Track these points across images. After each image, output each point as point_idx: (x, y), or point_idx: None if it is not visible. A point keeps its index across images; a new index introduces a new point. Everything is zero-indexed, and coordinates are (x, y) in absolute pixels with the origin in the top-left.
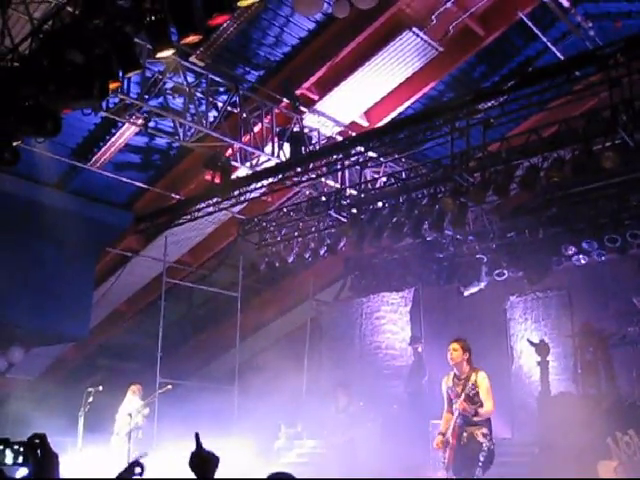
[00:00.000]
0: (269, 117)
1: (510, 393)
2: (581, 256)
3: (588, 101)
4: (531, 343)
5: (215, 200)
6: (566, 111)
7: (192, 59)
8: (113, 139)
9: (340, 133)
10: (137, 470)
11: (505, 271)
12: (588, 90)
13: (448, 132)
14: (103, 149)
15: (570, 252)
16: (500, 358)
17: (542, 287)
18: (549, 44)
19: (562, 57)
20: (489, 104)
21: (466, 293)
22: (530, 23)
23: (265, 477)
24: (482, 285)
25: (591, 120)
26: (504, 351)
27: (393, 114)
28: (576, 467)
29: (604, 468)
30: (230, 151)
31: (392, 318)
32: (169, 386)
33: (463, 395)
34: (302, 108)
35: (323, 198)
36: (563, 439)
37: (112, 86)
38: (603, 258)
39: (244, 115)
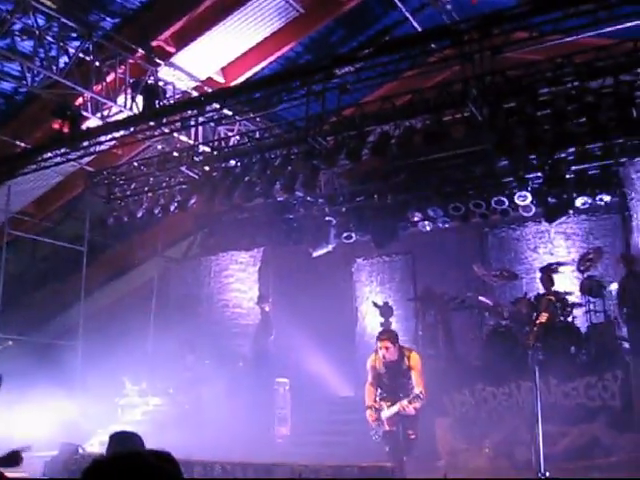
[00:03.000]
0: (123, 67)
1: (354, 353)
2: (426, 222)
3: (441, 73)
4: (375, 305)
5: (63, 150)
6: (420, 82)
7: (43, 0)
8: None
9: (195, 88)
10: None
11: (353, 234)
12: (442, 63)
13: (304, 95)
14: None
15: (416, 218)
16: (345, 319)
17: (388, 251)
18: (407, 14)
19: (419, 29)
20: (345, 69)
21: (314, 254)
22: None
23: (109, 435)
24: (330, 247)
25: (443, 92)
26: (349, 312)
27: (250, 73)
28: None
29: (440, 424)
30: (80, 100)
31: (240, 277)
32: (10, 342)
33: (405, 401)
34: (157, 60)
35: (175, 154)
36: None
37: None
38: (447, 225)
39: (97, 63)
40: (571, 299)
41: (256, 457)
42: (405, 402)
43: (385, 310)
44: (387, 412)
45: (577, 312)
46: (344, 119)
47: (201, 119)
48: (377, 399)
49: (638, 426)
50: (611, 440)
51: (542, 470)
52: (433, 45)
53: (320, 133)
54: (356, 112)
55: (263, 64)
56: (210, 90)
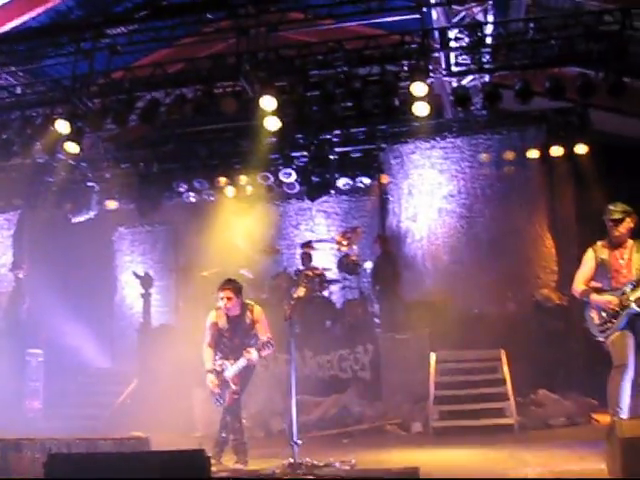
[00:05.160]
0: None
1: (111, 324)
2: (191, 194)
3: (216, 45)
4: (136, 275)
5: None
6: (194, 51)
7: None
8: None
9: None
10: None
11: (116, 202)
12: (217, 34)
13: (72, 52)
14: None
15: (181, 189)
16: (104, 288)
17: (151, 221)
18: None
19: None
20: (118, 30)
21: (74, 220)
22: None
23: None
24: (91, 214)
25: (216, 64)
26: (109, 281)
27: (15, 23)
28: (174, 393)
29: (198, 395)
30: None
31: None
32: None
33: (254, 351)
34: None
35: None
36: (162, 368)
37: None
38: (212, 198)
39: None
40: (329, 275)
41: (4, 433)
42: (254, 352)
43: (145, 280)
44: (232, 369)
45: (334, 288)
46: (113, 82)
47: None
48: (217, 360)
49: (385, 396)
50: (361, 409)
51: (294, 438)
52: (209, 15)
53: (87, 94)
54: (126, 76)
55: (30, 15)
56: None
